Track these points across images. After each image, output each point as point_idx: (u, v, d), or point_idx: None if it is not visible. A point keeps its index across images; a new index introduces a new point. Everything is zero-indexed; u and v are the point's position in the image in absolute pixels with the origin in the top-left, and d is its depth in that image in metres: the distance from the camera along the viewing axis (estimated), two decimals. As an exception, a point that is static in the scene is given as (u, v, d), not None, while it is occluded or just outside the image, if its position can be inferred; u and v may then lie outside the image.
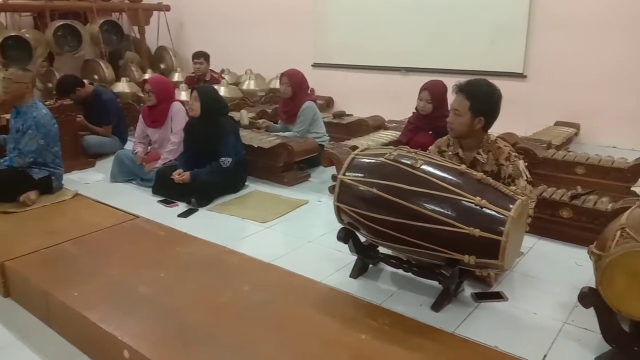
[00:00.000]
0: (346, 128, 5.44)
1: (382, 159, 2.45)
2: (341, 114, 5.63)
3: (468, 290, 2.60)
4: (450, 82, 4.03)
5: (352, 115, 5.74)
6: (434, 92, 3.89)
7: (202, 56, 6.33)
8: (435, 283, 2.53)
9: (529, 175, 2.64)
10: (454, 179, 2.30)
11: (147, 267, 2.90)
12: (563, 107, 5.36)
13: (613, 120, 5.19)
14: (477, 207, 2.19)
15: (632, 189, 3.80)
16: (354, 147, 4.30)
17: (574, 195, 3.17)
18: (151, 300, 2.55)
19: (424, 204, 2.26)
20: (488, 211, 2.18)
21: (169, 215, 3.70)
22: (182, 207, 3.87)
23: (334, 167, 4.07)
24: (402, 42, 6.32)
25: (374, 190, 2.38)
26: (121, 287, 2.67)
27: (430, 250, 2.29)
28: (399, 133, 4.86)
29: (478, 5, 5.71)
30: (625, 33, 4.95)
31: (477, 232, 2.15)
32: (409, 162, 2.38)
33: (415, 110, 4.09)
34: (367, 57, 6.65)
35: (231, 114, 4.70)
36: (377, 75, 6.64)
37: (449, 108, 2.68)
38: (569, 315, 2.41)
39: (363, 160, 2.53)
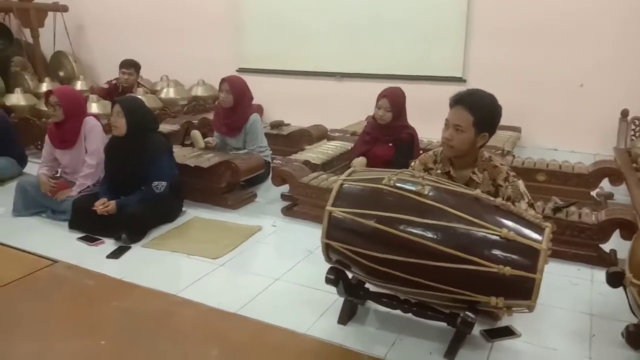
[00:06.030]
0: (287, 139, 4.97)
1: (380, 185, 2.04)
2: (279, 124, 5.14)
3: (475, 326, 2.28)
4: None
5: (290, 124, 5.29)
6: (394, 100, 3.55)
7: (132, 66, 5.58)
8: (439, 323, 2.18)
9: (530, 197, 2.32)
10: (470, 206, 1.95)
11: (77, 336, 2.26)
12: (503, 110, 5.31)
13: (552, 122, 5.22)
14: (504, 240, 1.86)
15: (592, 194, 3.77)
16: (307, 162, 3.89)
17: (556, 208, 2.98)
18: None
19: (440, 239, 1.88)
20: (516, 244, 1.85)
21: (95, 257, 3.04)
22: (109, 244, 3.20)
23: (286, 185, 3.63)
24: (336, 46, 5.98)
25: (374, 223, 1.97)
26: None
27: (448, 293, 1.92)
28: (347, 143, 4.51)
29: (414, 10, 5.52)
30: (556, 44, 5.04)
31: (507, 270, 1.81)
32: (413, 188, 2.00)
33: (371, 119, 3.74)
34: (299, 62, 6.23)
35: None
36: (310, 81, 6.24)
37: (449, 123, 2.30)
38: (589, 348, 2.17)
39: (355, 187, 2.11)
